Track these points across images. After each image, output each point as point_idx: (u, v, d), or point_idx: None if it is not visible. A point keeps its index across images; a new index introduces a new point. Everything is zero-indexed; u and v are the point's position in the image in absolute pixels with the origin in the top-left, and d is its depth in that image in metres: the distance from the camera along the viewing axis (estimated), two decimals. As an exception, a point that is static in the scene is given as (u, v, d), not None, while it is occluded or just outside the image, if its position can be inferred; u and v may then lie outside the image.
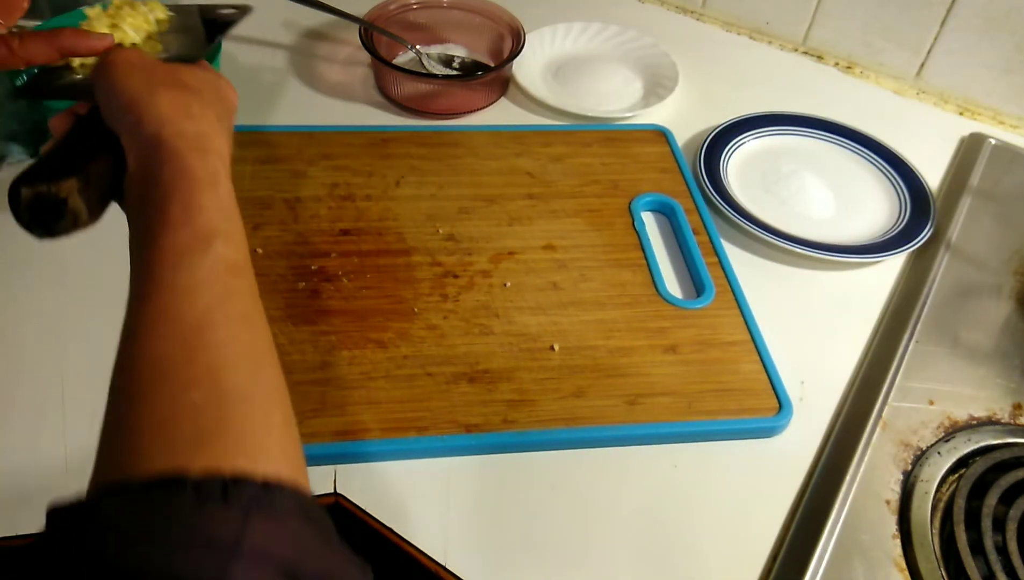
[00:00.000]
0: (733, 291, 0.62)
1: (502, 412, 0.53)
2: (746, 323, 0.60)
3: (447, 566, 0.47)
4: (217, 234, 0.35)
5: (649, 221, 0.69)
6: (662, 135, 0.77)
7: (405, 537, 0.48)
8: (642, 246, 0.66)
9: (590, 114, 0.79)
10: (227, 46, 0.85)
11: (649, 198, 0.70)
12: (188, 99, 0.39)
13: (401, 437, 0.51)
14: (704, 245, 0.66)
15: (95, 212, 0.39)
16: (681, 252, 0.67)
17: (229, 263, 0.35)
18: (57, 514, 0.27)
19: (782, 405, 0.55)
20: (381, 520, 0.49)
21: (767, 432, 0.55)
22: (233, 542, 0.26)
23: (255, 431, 0.30)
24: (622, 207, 0.69)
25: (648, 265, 0.64)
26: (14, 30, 0.54)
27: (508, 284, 0.61)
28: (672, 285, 0.64)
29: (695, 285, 0.64)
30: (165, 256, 0.34)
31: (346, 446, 0.51)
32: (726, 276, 0.63)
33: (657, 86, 0.83)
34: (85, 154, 0.39)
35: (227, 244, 0.35)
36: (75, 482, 0.48)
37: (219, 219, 0.36)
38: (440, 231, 0.65)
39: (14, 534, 0.46)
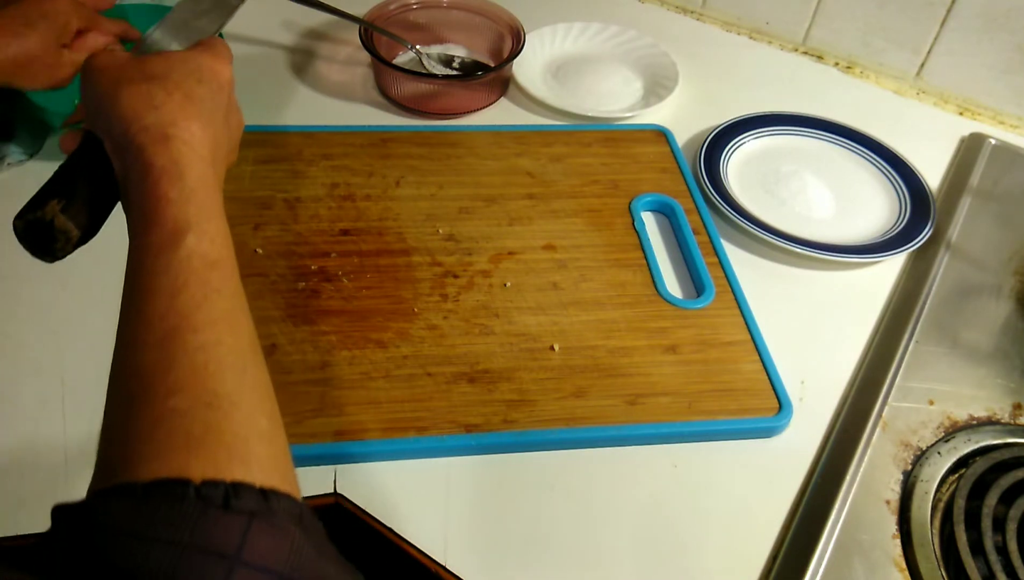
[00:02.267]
0: (733, 291, 0.62)
1: (502, 412, 0.53)
2: (746, 323, 0.60)
3: (447, 566, 0.47)
4: (188, 228, 0.34)
5: (649, 221, 0.69)
6: (662, 135, 0.77)
7: (405, 537, 0.48)
8: (642, 246, 0.65)
9: (590, 114, 0.79)
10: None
11: (649, 198, 0.70)
12: (151, 88, 0.39)
13: (401, 437, 0.51)
14: (704, 245, 0.66)
15: (84, 226, 0.39)
16: (681, 252, 0.66)
17: (204, 258, 0.34)
18: (61, 514, 0.27)
19: (782, 405, 0.55)
20: (381, 520, 0.48)
21: (767, 432, 0.55)
22: (236, 550, 0.26)
23: (246, 437, 0.30)
24: (622, 207, 0.69)
25: (648, 265, 0.64)
26: None
27: (508, 284, 0.61)
28: (672, 285, 0.64)
29: (695, 285, 0.64)
30: (143, 258, 0.34)
31: (346, 446, 0.51)
32: (726, 276, 0.63)
33: (657, 86, 0.83)
34: (70, 173, 0.39)
35: (200, 238, 0.35)
36: (75, 482, 0.48)
37: (188, 210, 0.35)
38: (440, 231, 0.65)
39: (14, 534, 0.46)
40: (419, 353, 0.56)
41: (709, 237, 0.66)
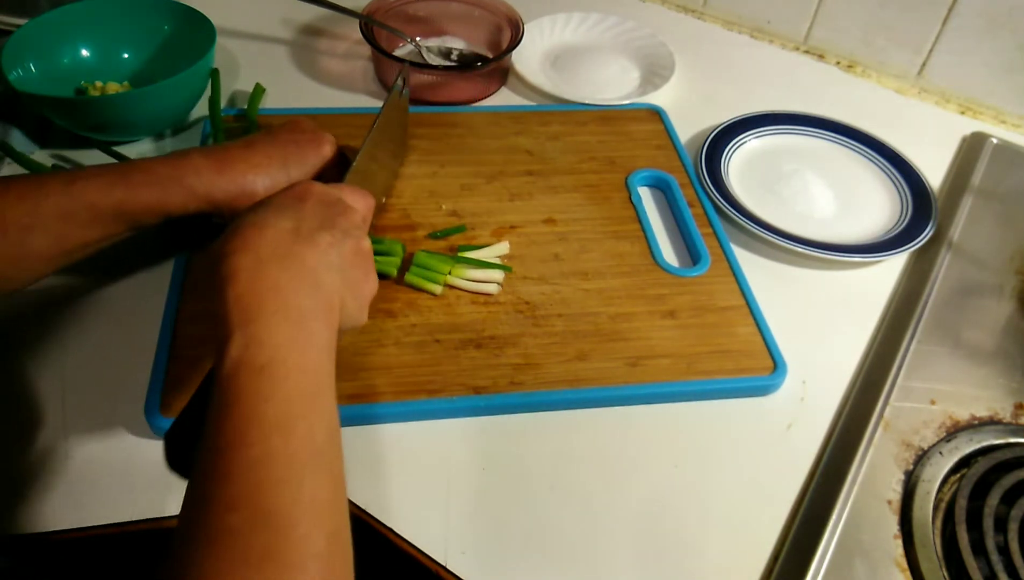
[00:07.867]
0: (728, 259, 0.63)
1: (509, 375, 0.54)
2: (741, 289, 0.61)
3: (447, 566, 0.45)
4: (231, 334, 0.35)
5: (645, 195, 0.70)
6: (656, 114, 0.78)
7: (405, 537, 0.46)
8: (639, 218, 0.67)
9: (587, 101, 0.79)
10: (228, 43, 0.83)
11: (645, 173, 0.71)
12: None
13: (413, 399, 0.52)
14: (699, 217, 0.67)
15: None
16: (677, 224, 0.68)
17: (251, 366, 0.34)
18: None
19: (777, 364, 0.56)
20: (381, 520, 0.47)
21: (763, 390, 0.56)
22: None
23: (302, 560, 0.31)
24: (619, 182, 0.70)
25: (645, 236, 0.65)
26: None
27: (511, 256, 0.62)
28: (669, 255, 0.65)
29: (691, 254, 0.65)
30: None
31: (360, 408, 0.51)
32: (720, 246, 0.65)
33: (653, 75, 0.83)
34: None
35: (247, 344, 0.35)
36: (75, 481, 0.47)
37: (232, 316, 0.36)
38: (443, 207, 0.66)
39: (14, 533, 0.45)
40: (427, 321, 0.56)
41: (703, 209, 0.68)
